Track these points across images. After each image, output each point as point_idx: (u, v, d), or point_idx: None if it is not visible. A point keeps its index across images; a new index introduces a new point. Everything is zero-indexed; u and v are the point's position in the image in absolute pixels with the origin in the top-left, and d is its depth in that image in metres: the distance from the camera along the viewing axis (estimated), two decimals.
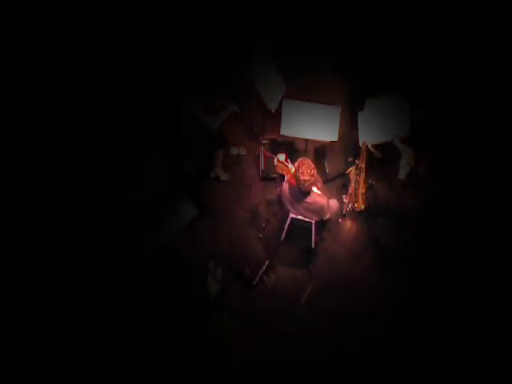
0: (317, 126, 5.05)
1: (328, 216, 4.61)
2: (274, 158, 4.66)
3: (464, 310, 4.87)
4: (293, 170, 4.48)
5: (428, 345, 4.76)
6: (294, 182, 4.45)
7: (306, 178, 4.29)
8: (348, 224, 5.42)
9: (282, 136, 5.26)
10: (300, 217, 4.57)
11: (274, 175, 5.43)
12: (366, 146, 5.00)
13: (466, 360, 4.62)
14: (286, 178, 4.62)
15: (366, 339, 4.79)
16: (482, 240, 5.21)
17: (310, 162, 4.34)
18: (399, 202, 4.64)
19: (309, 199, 4.48)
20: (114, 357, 4.52)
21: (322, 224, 4.83)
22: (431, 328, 4.84)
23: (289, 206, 4.59)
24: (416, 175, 4.53)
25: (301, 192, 4.43)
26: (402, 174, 4.69)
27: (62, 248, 4.43)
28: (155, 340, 4.33)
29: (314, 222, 4.59)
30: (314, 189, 4.54)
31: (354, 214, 5.40)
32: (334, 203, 4.78)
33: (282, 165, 4.63)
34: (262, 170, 5.58)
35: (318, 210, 4.52)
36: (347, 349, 4.75)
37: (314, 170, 4.33)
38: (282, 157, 4.63)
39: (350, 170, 5.22)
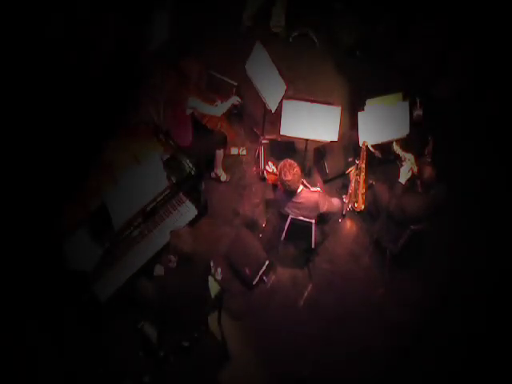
0: (317, 126, 5.05)
1: (326, 208, 4.61)
2: (264, 172, 4.73)
3: (464, 308, 4.88)
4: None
5: (427, 344, 4.77)
6: (282, 187, 4.48)
7: (289, 177, 4.35)
8: (348, 224, 5.42)
9: (282, 136, 5.27)
10: (300, 217, 4.58)
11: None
12: (366, 146, 5.00)
13: (467, 360, 4.64)
14: (278, 187, 4.64)
15: (365, 339, 4.78)
16: (482, 240, 5.22)
17: (291, 162, 4.41)
18: (399, 202, 4.63)
19: (300, 199, 4.50)
20: (113, 355, 4.53)
21: (322, 224, 4.84)
22: (431, 328, 4.84)
23: (286, 210, 4.62)
24: (420, 180, 4.53)
25: (289, 193, 4.46)
26: (402, 179, 4.70)
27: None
28: (154, 339, 4.32)
29: (313, 222, 4.59)
30: (302, 187, 4.54)
31: (354, 214, 5.40)
32: (335, 201, 4.81)
33: (273, 175, 4.68)
34: (262, 170, 5.58)
35: (313, 206, 4.54)
36: (347, 348, 4.74)
37: (296, 168, 4.38)
38: (272, 167, 4.70)
39: (350, 169, 5.22)
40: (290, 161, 4.42)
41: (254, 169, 5.68)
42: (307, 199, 4.52)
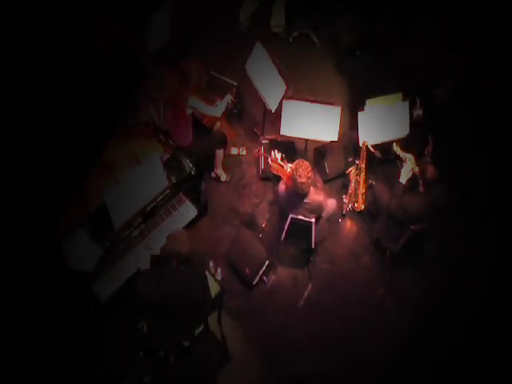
0: (317, 126, 5.04)
1: (326, 211, 4.60)
2: (268, 158, 4.68)
3: (464, 309, 4.88)
4: (289, 170, 4.48)
5: (427, 344, 4.76)
6: (290, 182, 4.44)
7: (303, 180, 4.28)
8: (348, 224, 5.42)
9: (282, 136, 5.27)
10: (300, 216, 4.57)
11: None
12: (366, 146, 5.00)
13: (467, 360, 4.63)
14: (282, 179, 4.62)
15: (365, 339, 4.78)
16: (482, 240, 5.21)
17: (308, 164, 4.34)
18: (400, 202, 4.63)
19: (307, 199, 4.48)
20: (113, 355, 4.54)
21: (322, 224, 4.83)
22: (431, 328, 4.84)
23: (286, 207, 4.60)
24: (423, 179, 4.53)
25: (298, 194, 4.43)
26: (403, 179, 4.70)
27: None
28: (154, 340, 4.33)
29: (313, 221, 4.59)
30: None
31: (354, 214, 5.40)
32: (331, 203, 4.79)
33: (277, 165, 4.65)
34: (262, 170, 5.57)
35: (316, 208, 4.53)
36: (347, 348, 4.74)
37: (311, 172, 4.32)
38: (277, 155, 4.66)
39: (350, 169, 5.22)
40: (306, 162, 4.33)
41: (257, 151, 5.60)
42: (312, 200, 4.50)
